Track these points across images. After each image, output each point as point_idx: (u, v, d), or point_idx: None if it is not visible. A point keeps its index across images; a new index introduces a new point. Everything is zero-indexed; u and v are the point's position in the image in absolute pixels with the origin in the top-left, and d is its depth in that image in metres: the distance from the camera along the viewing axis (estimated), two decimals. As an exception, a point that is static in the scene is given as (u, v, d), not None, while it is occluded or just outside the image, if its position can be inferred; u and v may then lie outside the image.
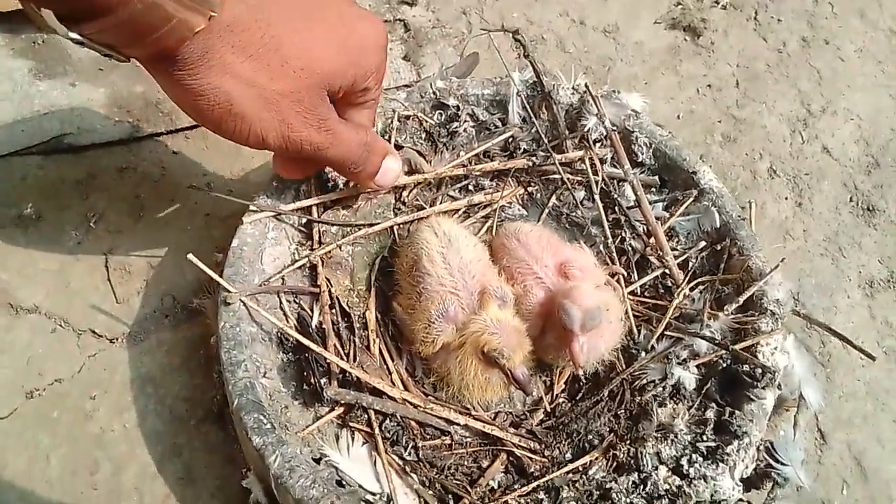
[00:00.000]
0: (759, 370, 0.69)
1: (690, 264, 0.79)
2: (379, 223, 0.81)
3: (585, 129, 0.83)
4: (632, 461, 0.68)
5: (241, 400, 0.66)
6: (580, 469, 0.69)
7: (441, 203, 0.84)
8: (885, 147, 1.03)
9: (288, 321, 0.74)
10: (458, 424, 0.72)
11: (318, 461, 0.67)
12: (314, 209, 0.79)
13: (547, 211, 0.86)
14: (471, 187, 0.86)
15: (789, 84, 1.08)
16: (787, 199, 0.98)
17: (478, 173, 0.85)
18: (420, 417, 0.72)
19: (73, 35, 0.54)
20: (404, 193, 0.85)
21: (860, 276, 0.94)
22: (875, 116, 1.06)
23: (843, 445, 0.82)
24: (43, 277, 0.85)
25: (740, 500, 0.72)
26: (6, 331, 0.82)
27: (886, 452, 0.82)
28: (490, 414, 0.75)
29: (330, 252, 0.79)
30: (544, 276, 0.76)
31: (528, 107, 0.85)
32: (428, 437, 0.72)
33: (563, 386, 0.78)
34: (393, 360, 0.76)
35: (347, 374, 0.71)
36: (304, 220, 0.80)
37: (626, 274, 0.80)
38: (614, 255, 0.81)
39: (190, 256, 0.70)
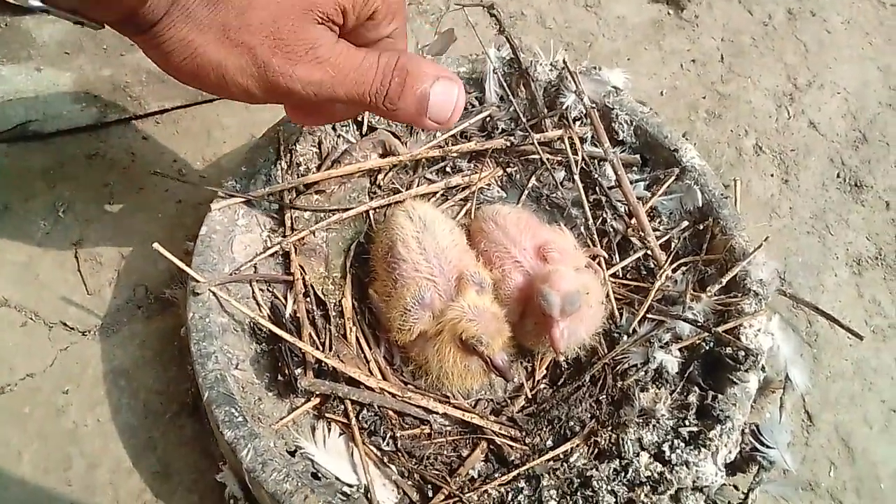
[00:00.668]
0: (742, 353, 0.67)
1: (673, 245, 0.77)
2: (353, 208, 0.79)
3: (564, 107, 0.80)
4: (613, 448, 0.66)
5: (212, 393, 0.64)
6: (561, 456, 0.68)
7: (417, 186, 0.82)
8: (873, 121, 1.01)
9: (261, 311, 0.72)
10: (437, 413, 0.71)
11: (292, 454, 0.66)
12: (286, 194, 0.77)
13: (526, 192, 0.84)
14: (448, 169, 0.84)
15: (775, 58, 1.05)
16: (773, 175, 0.97)
17: (455, 155, 0.82)
18: (398, 407, 0.70)
19: (35, 2, 0.50)
20: (379, 177, 0.82)
21: (847, 253, 0.92)
22: (862, 90, 1.03)
23: (830, 427, 0.81)
24: (11, 270, 0.83)
25: (725, 484, 0.72)
26: (-26, 326, 0.80)
27: (874, 433, 0.81)
28: (470, 401, 0.74)
29: (303, 238, 0.77)
30: (523, 260, 0.74)
31: (505, 85, 0.83)
32: (406, 426, 0.71)
33: (545, 372, 0.76)
34: (370, 349, 0.74)
35: (323, 364, 0.69)
36: (275, 206, 0.78)
37: (606, 256, 0.78)
38: (595, 236, 0.80)
39: (156, 246, 0.68)
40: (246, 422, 0.63)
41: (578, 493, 0.63)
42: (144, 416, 0.77)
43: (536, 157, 0.82)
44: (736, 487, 0.72)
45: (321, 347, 0.71)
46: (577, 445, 0.68)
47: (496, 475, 0.68)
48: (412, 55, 0.56)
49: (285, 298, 0.74)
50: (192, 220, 0.87)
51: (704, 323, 0.70)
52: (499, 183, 0.85)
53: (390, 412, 0.70)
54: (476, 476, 0.68)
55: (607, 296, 0.75)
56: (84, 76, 0.96)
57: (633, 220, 0.79)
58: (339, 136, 0.82)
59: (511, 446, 0.69)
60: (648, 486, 0.62)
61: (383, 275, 0.75)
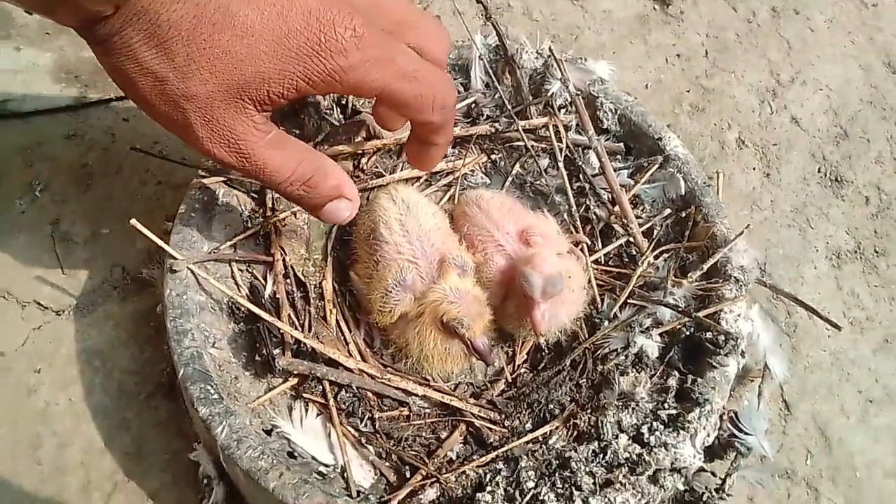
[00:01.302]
0: (723, 337, 0.67)
1: (655, 232, 0.77)
2: (336, 190, 0.78)
3: (549, 94, 0.80)
4: (592, 430, 0.66)
5: (188, 370, 0.64)
6: (540, 439, 0.67)
7: (401, 171, 0.82)
8: (854, 118, 1.02)
9: (240, 291, 0.72)
10: (416, 395, 0.70)
11: (268, 433, 0.65)
12: (268, 175, 0.76)
13: (510, 179, 0.83)
14: (432, 154, 0.83)
15: (759, 54, 1.06)
16: (755, 169, 0.97)
17: (439, 140, 0.82)
18: (377, 388, 0.69)
19: None
20: (363, 160, 0.82)
21: (827, 246, 0.93)
22: (844, 87, 1.05)
23: (807, 416, 0.82)
24: (-15, 248, 0.82)
25: (702, 468, 0.72)
26: (-55, 303, 0.78)
27: (851, 423, 0.81)
28: (450, 385, 0.73)
29: (284, 220, 0.76)
30: (505, 244, 0.74)
31: (490, 72, 0.83)
32: (385, 408, 0.70)
33: (525, 357, 0.76)
34: (350, 331, 0.74)
35: (302, 346, 0.69)
36: (256, 187, 0.77)
37: (589, 242, 0.78)
38: (578, 223, 0.79)
39: (133, 222, 0.67)
40: (221, 399, 0.63)
41: (557, 475, 0.62)
42: (118, 397, 0.76)
43: (521, 144, 0.82)
44: (713, 474, 0.72)
45: (300, 329, 0.70)
46: (557, 428, 0.68)
47: (474, 457, 0.67)
48: (321, 161, 0.61)
49: (265, 279, 0.73)
50: (172, 201, 0.85)
51: (685, 308, 0.70)
52: (483, 169, 0.85)
53: (369, 394, 0.69)
54: (454, 458, 0.68)
55: (589, 281, 0.75)
56: (65, 57, 0.95)
57: (616, 208, 0.79)
58: (322, 119, 0.81)
59: (490, 429, 0.69)
60: (627, 468, 0.62)
61: (365, 257, 0.74)
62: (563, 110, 0.83)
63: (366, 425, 0.68)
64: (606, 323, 0.73)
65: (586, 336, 0.73)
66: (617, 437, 0.65)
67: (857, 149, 1.00)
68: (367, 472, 0.66)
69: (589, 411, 0.68)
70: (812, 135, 1.00)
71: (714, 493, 0.69)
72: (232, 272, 0.72)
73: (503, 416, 0.70)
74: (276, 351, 0.67)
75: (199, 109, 0.53)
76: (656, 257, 0.76)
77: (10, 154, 0.87)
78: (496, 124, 0.82)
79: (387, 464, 0.67)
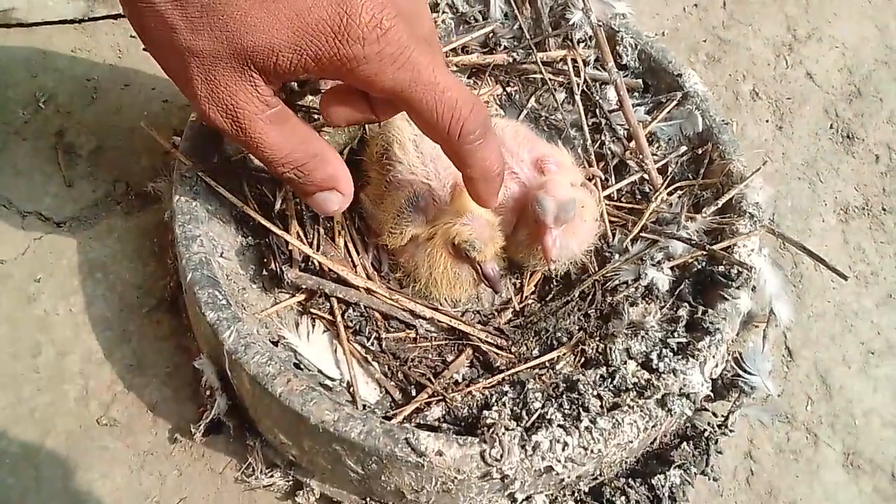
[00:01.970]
0: (735, 269, 0.67)
1: (670, 169, 0.77)
2: (349, 111, 0.76)
3: (570, 24, 0.79)
4: (600, 357, 0.66)
5: (196, 275, 0.62)
6: (547, 364, 0.67)
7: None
8: (868, 77, 1.02)
9: (249, 204, 0.70)
10: (423, 318, 0.69)
11: (275, 344, 0.64)
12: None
13: (525, 112, 0.82)
14: (447, 83, 0.82)
15: (776, 8, 1.05)
16: (767, 121, 0.96)
17: (455, 68, 0.81)
18: (385, 309, 0.69)
19: None
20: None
21: (836, 201, 0.92)
22: (859, 46, 1.04)
23: (809, 363, 0.82)
24: (-14, 156, 0.80)
25: (705, 408, 0.72)
26: (-56, 208, 0.77)
27: (852, 372, 0.82)
28: (457, 311, 0.72)
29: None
30: (519, 171, 0.73)
31: (511, 0, 0.82)
32: (392, 329, 0.69)
33: (534, 288, 0.75)
34: (358, 254, 0.73)
35: (310, 263, 0.68)
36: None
37: (603, 177, 0.78)
38: (593, 158, 0.79)
39: (143, 124, 0.65)
40: (229, 305, 0.62)
41: (564, 396, 0.62)
42: (119, 309, 0.74)
43: (537, 77, 0.81)
44: (716, 415, 0.72)
45: (309, 247, 0.69)
46: (564, 354, 0.67)
47: (480, 380, 0.67)
48: (321, 147, 0.58)
49: (274, 196, 0.72)
50: (179, 120, 0.84)
51: (698, 241, 0.70)
52: (497, 101, 0.83)
53: (376, 314, 0.69)
54: (461, 380, 0.67)
55: (601, 215, 0.74)
56: (72, -32, 0.92)
57: (632, 144, 0.78)
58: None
59: (497, 353, 0.68)
60: (635, 392, 0.62)
61: (376, 178, 0.73)
62: (581, 44, 0.81)
63: (372, 344, 0.67)
64: (617, 256, 0.72)
65: (596, 269, 0.73)
66: (625, 363, 0.64)
67: (870, 107, 0.99)
68: (372, 389, 0.66)
69: (597, 339, 0.67)
70: (826, 91, 1.00)
71: (716, 429, 0.69)
72: (242, 185, 0.71)
73: (510, 343, 0.69)
74: (285, 266, 0.66)
75: (202, 66, 0.51)
76: (670, 194, 0.76)
77: (14, 64, 0.85)
78: (513, 55, 0.80)
79: (392, 382, 0.66)
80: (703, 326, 0.65)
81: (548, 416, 0.60)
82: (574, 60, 0.80)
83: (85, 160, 0.82)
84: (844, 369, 0.82)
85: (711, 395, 0.69)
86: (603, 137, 0.79)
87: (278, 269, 0.66)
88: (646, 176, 0.77)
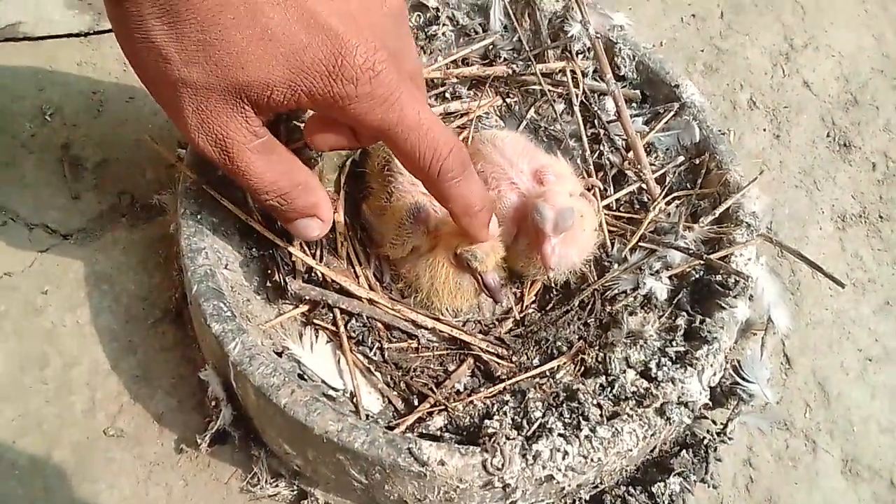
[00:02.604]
0: (733, 278, 0.68)
1: (668, 179, 0.78)
2: (351, 123, 0.78)
3: (568, 36, 0.80)
4: (600, 366, 0.67)
5: (201, 286, 0.63)
6: (547, 373, 0.68)
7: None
8: (865, 85, 1.03)
9: (253, 216, 0.71)
10: (425, 328, 0.70)
11: (279, 354, 0.65)
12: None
13: (525, 123, 0.83)
14: (447, 95, 0.83)
15: (773, 17, 1.06)
16: (765, 130, 0.98)
17: (455, 80, 0.82)
18: (387, 319, 0.70)
19: None
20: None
21: (833, 209, 0.93)
22: (856, 55, 1.05)
23: (807, 371, 0.82)
24: (-8, 168, 0.81)
25: (704, 416, 0.73)
26: (-48, 221, 0.78)
27: (850, 379, 0.82)
28: (458, 321, 0.73)
29: (299, 150, 0.75)
30: (519, 182, 0.74)
31: (510, 13, 0.83)
32: (394, 339, 0.70)
33: (534, 297, 0.76)
34: (361, 265, 0.74)
35: (313, 274, 0.69)
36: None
37: (602, 187, 0.78)
38: (591, 168, 0.80)
39: (148, 137, 0.66)
40: (234, 316, 0.63)
41: (564, 406, 0.63)
42: (125, 321, 0.75)
43: (536, 88, 0.82)
44: (714, 422, 0.73)
45: (312, 258, 0.70)
46: (564, 363, 0.68)
47: (482, 389, 0.67)
48: (304, 176, 0.61)
49: (277, 208, 0.73)
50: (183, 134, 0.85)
51: (696, 251, 0.70)
52: (497, 112, 0.84)
53: (379, 324, 0.70)
54: (462, 389, 0.68)
55: (600, 225, 0.75)
56: (78, -18, 0.94)
57: (630, 154, 0.79)
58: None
59: (498, 363, 0.69)
60: (634, 401, 0.63)
61: (378, 189, 0.74)
62: (580, 56, 0.83)
63: (375, 354, 0.68)
64: (616, 266, 0.73)
65: (595, 278, 0.74)
66: (625, 371, 0.65)
67: (866, 116, 1.00)
68: (375, 399, 0.67)
69: (597, 348, 0.68)
70: (822, 100, 1.01)
71: (715, 437, 0.70)
72: (245, 198, 0.72)
73: (511, 352, 0.70)
74: (289, 277, 0.67)
75: (194, 97, 0.52)
76: (668, 204, 0.76)
77: (21, 78, 0.86)
78: (513, 66, 0.82)
79: (394, 392, 0.67)
80: (701, 335, 0.66)
81: (548, 426, 0.61)
82: (573, 72, 0.81)
83: (91, 173, 0.83)
84: (842, 376, 0.83)
85: (710, 403, 0.70)
86: (601, 148, 0.80)
87: (282, 281, 0.67)
88: (644, 186, 0.78)
